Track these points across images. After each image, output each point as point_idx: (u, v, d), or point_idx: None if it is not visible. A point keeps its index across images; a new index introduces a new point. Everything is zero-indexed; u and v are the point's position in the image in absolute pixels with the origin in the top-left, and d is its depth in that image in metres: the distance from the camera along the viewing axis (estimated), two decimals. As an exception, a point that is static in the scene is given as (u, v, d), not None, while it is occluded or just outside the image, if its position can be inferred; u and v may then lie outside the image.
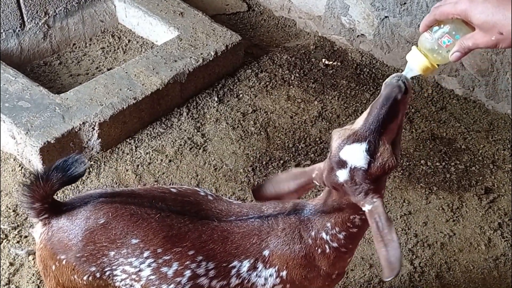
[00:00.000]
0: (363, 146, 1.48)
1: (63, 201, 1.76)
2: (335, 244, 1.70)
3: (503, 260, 2.67)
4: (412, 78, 1.50)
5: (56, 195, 1.72)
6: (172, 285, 1.68)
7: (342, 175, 1.53)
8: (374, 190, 1.54)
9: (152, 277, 1.68)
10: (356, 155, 1.49)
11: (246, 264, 1.71)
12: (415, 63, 1.48)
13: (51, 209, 1.69)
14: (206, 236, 1.69)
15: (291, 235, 1.71)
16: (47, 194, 1.65)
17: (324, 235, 1.69)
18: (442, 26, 1.44)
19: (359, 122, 1.51)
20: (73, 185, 2.79)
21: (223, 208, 1.77)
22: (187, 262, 1.67)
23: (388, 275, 1.51)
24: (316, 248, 1.71)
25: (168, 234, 1.67)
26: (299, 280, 1.76)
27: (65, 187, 2.75)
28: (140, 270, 1.67)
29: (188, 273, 1.67)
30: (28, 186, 1.63)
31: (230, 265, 1.71)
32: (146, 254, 1.66)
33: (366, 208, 1.55)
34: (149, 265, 1.67)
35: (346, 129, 1.53)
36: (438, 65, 1.49)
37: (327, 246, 1.71)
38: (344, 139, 1.51)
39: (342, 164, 1.51)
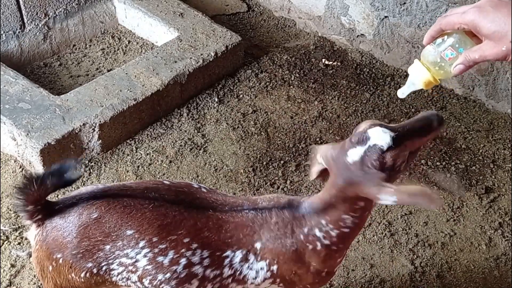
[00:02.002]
0: (392, 133, 1.53)
1: (55, 200, 1.75)
2: (327, 242, 1.71)
3: (503, 260, 2.67)
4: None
5: (56, 197, 1.73)
6: (168, 274, 1.69)
7: (354, 154, 1.55)
8: (384, 179, 1.55)
9: (148, 267, 1.68)
10: (382, 135, 1.53)
11: (238, 255, 1.72)
12: (417, 77, 1.45)
13: (44, 210, 1.68)
14: (201, 223, 1.70)
15: (283, 230, 1.72)
16: (40, 197, 1.65)
17: (317, 231, 1.70)
18: (446, 38, 1.40)
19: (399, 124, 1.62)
20: (73, 186, 2.79)
21: (218, 198, 1.78)
22: (183, 250, 1.68)
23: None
24: (307, 244, 1.72)
25: (163, 223, 1.67)
26: (289, 276, 1.77)
27: (64, 190, 2.76)
28: (136, 261, 1.68)
29: (183, 261, 1.68)
30: (21, 189, 1.63)
31: (224, 254, 1.72)
32: (141, 244, 1.66)
33: (382, 197, 1.53)
34: (145, 255, 1.67)
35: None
36: (440, 80, 1.46)
37: (318, 243, 1.71)
38: (377, 123, 1.57)
39: (363, 140, 1.54)
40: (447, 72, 1.42)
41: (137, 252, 1.67)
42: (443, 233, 2.76)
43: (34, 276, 2.46)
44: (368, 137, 1.54)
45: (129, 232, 1.66)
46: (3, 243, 2.57)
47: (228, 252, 1.72)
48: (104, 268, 1.70)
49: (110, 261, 1.68)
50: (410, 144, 1.56)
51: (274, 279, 1.77)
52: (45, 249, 1.70)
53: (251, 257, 1.73)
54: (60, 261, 1.69)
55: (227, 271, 1.73)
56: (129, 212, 1.67)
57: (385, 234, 2.73)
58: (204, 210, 1.73)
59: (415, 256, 2.66)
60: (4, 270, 2.48)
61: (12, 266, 2.50)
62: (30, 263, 2.51)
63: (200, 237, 1.69)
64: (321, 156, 1.66)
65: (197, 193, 1.78)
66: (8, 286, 2.44)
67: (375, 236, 2.72)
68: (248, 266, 1.74)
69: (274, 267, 1.74)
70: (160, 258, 1.68)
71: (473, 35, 1.37)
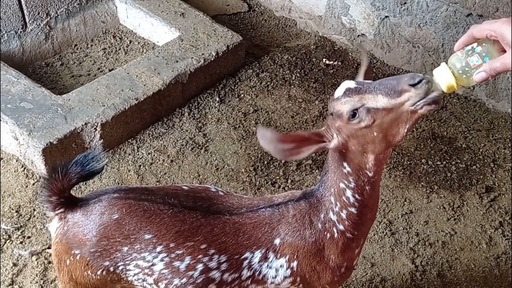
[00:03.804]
0: (350, 84, 1.55)
1: (79, 196, 1.79)
2: (341, 227, 1.72)
3: (504, 259, 2.68)
4: None
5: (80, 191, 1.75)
6: (184, 279, 1.70)
7: (330, 107, 1.60)
8: (342, 133, 1.57)
9: (164, 271, 1.70)
10: (342, 87, 1.56)
11: (257, 255, 1.73)
12: (442, 80, 1.50)
13: (67, 203, 1.72)
14: (218, 229, 1.72)
15: (302, 221, 1.73)
16: (64, 187, 1.68)
17: (331, 215, 1.71)
18: (475, 46, 1.48)
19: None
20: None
21: (234, 202, 1.79)
22: (200, 256, 1.69)
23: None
24: (326, 233, 1.73)
25: (180, 229, 1.69)
26: (309, 273, 1.77)
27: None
28: (152, 265, 1.70)
29: (200, 266, 1.70)
30: (46, 179, 1.66)
31: (242, 257, 1.72)
32: (159, 248, 1.69)
33: (331, 144, 1.59)
34: (161, 260, 1.69)
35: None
36: (462, 86, 1.52)
37: (335, 230, 1.72)
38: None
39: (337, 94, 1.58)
40: (470, 79, 1.48)
41: (154, 256, 1.69)
42: (443, 232, 2.77)
43: (36, 275, 2.47)
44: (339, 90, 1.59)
45: (147, 236, 1.68)
46: (5, 242, 2.58)
47: (247, 254, 1.73)
48: (120, 268, 1.72)
49: (127, 262, 1.71)
50: (366, 98, 1.50)
51: (294, 278, 1.78)
52: (64, 243, 1.72)
53: (271, 255, 1.74)
54: (78, 257, 1.71)
55: (246, 273, 1.74)
56: (148, 216, 1.69)
57: (386, 233, 2.74)
58: (221, 216, 1.74)
59: (416, 255, 2.67)
60: (6, 269, 2.49)
61: (14, 265, 2.51)
62: (32, 262, 2.52)
63: (217, 242, 1.71)
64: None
65: (215, 198, 1.79)
66: (10, 285, 2.44)
67: (376, 235, 2.73)
68: (268, 265, 1.74)
69: (294, 263, 1.75)
70: (176, 263, 1.69)
71: (501, 50, 1.45)
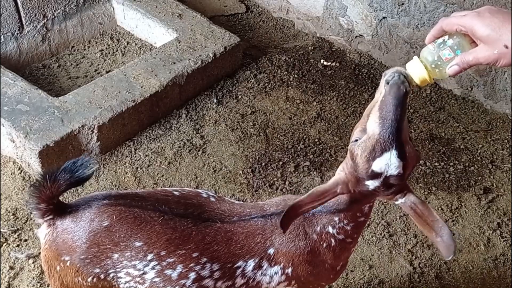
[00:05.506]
0: (394, 153, 1.47)
1: (68, 202, 1.77)
2: (341, 236, 1.71)
3: (502, 260, 2.68)
4: None
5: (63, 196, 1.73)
6: (177, 287, 1.69)
7: (374, 184, 1.53)
8: (404, 185, 1.56)
9: (156, 279, 1.68)
10: (390, 164, 1.48)
11: (251, 264, 1.72)
12: (414, 74, 1.49)
13: (56, 210, 1.70)
14: (209, 237, 1.70)
15: (296, 232, 1.72)
16: (53, 195, 1.66)
17: (330, 229, 1.70)
18: (446, 39, 1.46)
19: (374, 129, 1.47)
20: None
21: (225, 209, 1.77)
22: (192, 264, 1.68)
23: (448, 254, 1.52)
24: (322, 243, 1.72)
25: (171, 237, 1.68)
26: (305, 276, 1.76)
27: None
28: (144, 273, 1.68)
29: (192, 275, 1.68)
30: (35, 186, 1.64)
31: (235, 266, 1.71)
32: (149, 256, 1.67)
33: (399, 201, 1.57)
34: (153, 268, 1.68)
35: (364, 141, 1.49)
36: (434, 79, 1.51)
37: (332, 240, 1.71)
38: (370, 151, 1.47)
39: (375, 176, 1.50)
40: (443, 72, 1.48)
41: (145, 265, 1.67)
42: (441, 234, 2.76)
43: (33, 278, 2.46)
44: (378, 173, 1.50)
45: (137, 244, 1.67)
46: (2, 245, 2.57)
47: (240, 263, 1.71)
48: (111, 275, 1.70)
49: (118, 270, 1.69)
50: (404, 134, 1.48)
51: (289, 282, 1.77)
52: (54, 250, 1.71)
53: (265, 264, 1.73)
54: (68, 263, 1.70)
55: (239, 281, 1.72)
56: (139, 223, 1.68)
57: (384, 234, 2.73)
58: (212, 223, 1.72)
59: (414, 257, 2.66)
60: (3, 272, 2.48)
61: (11, 268, 2.50)
62: (29, 265, 2.51)
63: (210, 251, 1.69)
64: (340, 193, 1.61)
65: (206, 204, 1.77)
66: (7, 288, 2.44)
67: (374, 237, 2.72)
68: (262, 273, 1.73)
69: (289, 270, 1.74)
70: (168, 272, 1.68)
71: (472, 41, 1.44)
